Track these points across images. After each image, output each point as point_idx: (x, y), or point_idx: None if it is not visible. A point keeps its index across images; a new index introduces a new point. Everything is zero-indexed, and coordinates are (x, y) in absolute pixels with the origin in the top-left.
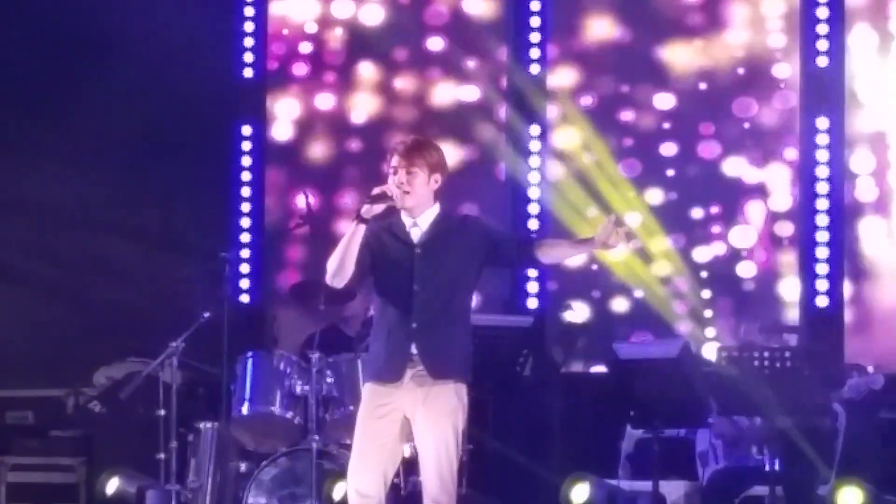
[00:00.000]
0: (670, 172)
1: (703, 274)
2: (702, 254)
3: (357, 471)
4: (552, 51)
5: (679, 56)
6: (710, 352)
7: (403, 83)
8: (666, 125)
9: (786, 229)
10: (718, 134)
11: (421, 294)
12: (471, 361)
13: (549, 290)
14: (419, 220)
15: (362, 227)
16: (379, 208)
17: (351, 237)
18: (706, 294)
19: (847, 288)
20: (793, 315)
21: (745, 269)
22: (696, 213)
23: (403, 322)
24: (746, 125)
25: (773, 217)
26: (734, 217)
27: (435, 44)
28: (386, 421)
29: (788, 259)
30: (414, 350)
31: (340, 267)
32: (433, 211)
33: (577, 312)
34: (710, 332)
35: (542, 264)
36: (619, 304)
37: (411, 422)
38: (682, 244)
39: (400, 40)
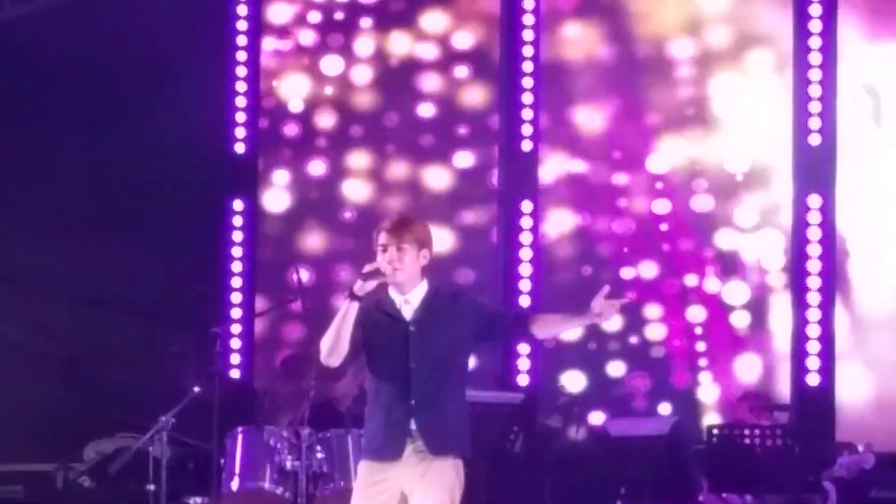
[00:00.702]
0: None
1: None
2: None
3: None
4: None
5: None
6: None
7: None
8: None
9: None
10: None
11: (418, 371)
12: (468, 436)
13: (539, 367)
14: (410, 297)
15: (356, 305)
16: (371, 285)
17: (345, 315)
18: None
19: None
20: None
21: None
22: None
23: (402, 399)
24: None
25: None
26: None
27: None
28: (384, 497)
29: None
30: (414, 426)
31: (335, 345)
32: (422, 287)
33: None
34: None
35: (537, 339)
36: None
37: (408, 497)
38: None
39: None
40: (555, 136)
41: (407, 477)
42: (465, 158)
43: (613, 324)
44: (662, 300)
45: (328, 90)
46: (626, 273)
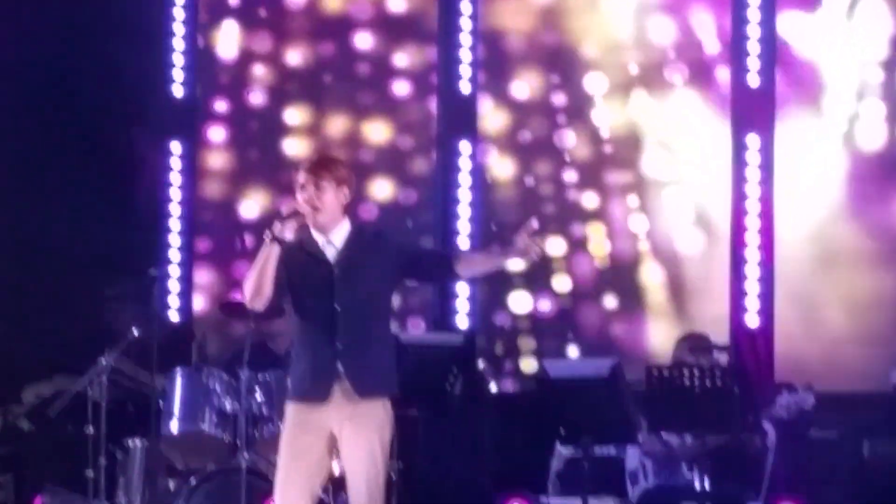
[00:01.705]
0: None
1: None
2: None
3: (284, 490)
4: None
5: None
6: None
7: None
8: None
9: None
10: None
11: (343, 313)
12: (395, 375)
13: (478, 307)
14: (332, 237)
15: (277, 248)
16: (292, 226)
17: (266, 258)
18: None
19: None
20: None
21: None
22: None
23: (328, 342)
24: None
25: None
26: None
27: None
28: (312, 437)
29: None
30: (341, 369)
31: (258, 288)
32: (345, 227)
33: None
34: None
35: (462, 278)
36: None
37: (338, 438)
38: None
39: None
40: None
41: (335, 418)
42: (405, 113)
43: None
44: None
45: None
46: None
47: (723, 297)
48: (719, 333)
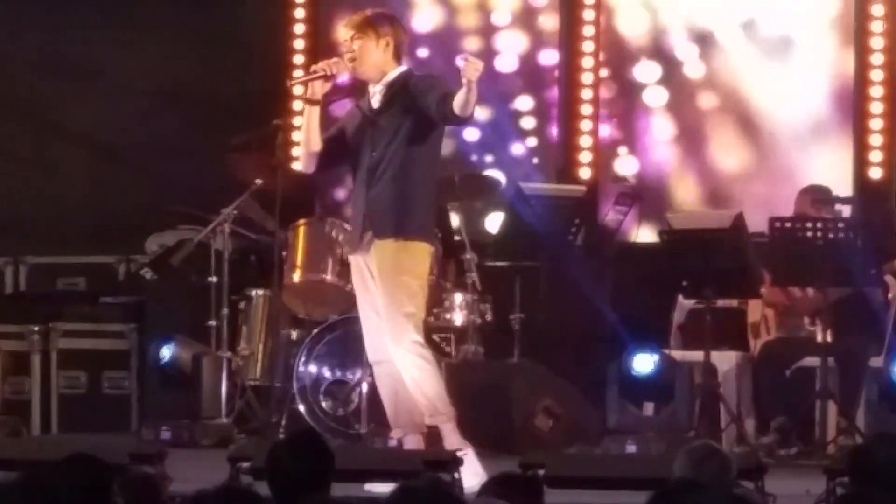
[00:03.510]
0: None
1: None
2: None
3: (366, 342)
4: None
5: None
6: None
7: None
8: None
9: None
10: None
11: (377, 161)
12: (424, 221)
13: (601, 160)
14: (380, 86)
15: (314, 109)
16: (321, 86)
17: (306, 121)
18: None
19: None
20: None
21: None
22: None
23: (362, 188)
24: None
25: None
26: None
27: None
28: (368, 284)
29: None
30: (366, 213)
31: (304, 152)
32: (393, 73)
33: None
34: None
35: (461, 117)
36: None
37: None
38: None
39: None
40: None
41: (370, 261)
42: None
43: None
44: None
45: None
46: None
47: None
48: None
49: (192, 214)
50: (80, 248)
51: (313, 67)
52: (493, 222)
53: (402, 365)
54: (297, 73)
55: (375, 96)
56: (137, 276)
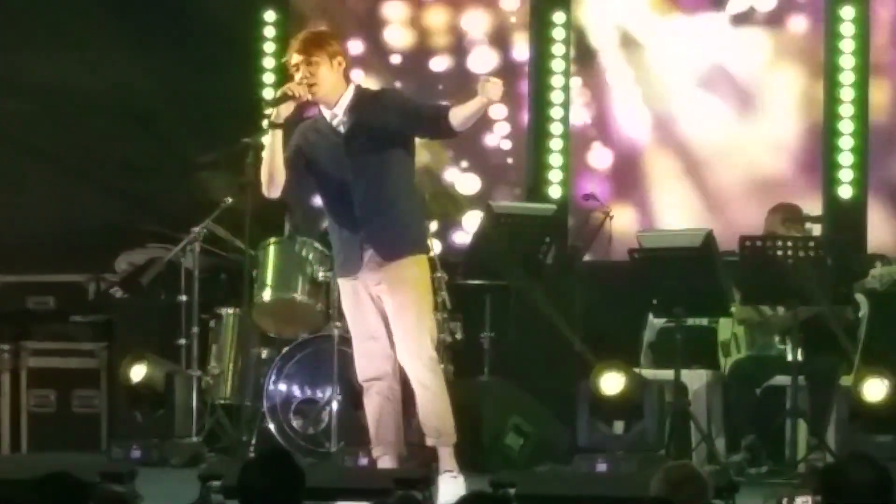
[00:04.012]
0: None
1: None
2: None
3: (358, 361)
4: None
5: None
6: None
7: None
8: None
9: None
10: None
11: (357, 181)
12: (423, 233)
13: (572, 178)
14: (337, 109)
15: (278, 133)
16: (287, 109)
17: (270, 146)
18: None
19: None
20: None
21: None
22: None
23: (348, 213)
24: None
25: None
26: None
27: None
28: (362, 304)
29: None
30: (363, 236)
31: (270, 177)
32: (348, 94)
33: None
34: None
35: (457, 131)
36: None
37: (381, 300)
38: None
39: None
40: None
41: (371, 283)
42: None
43: None
44: None
45: None
46: None
47: None
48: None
49: (162, 233)
50: (50, 266)
51: (283, 89)
52: (464, 240)
53: (418, 381)
54: (267, 95)
55: (336, 119)
56: (107, 294)
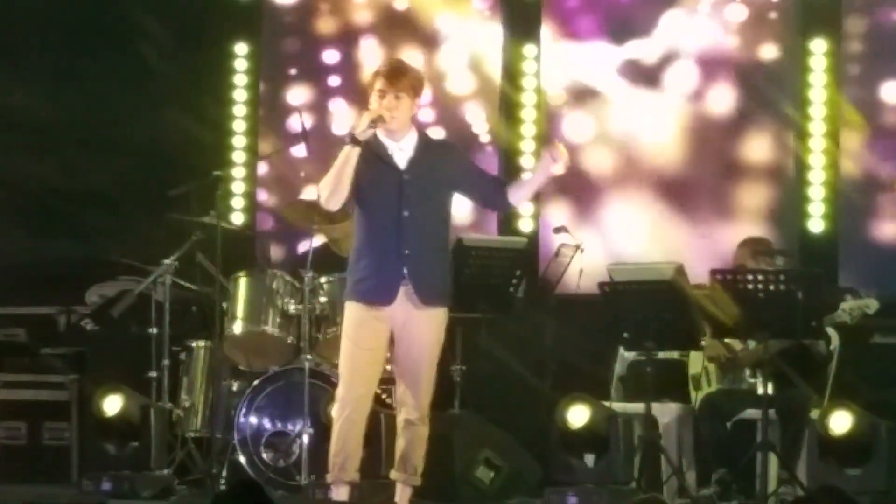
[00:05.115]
0: None
1: None
2: None
3: (350, 380)
4: None
5: None
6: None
7: None
8: None
9: None
10: None
11: (411, 219)
12: (450, 286)
13: (542, 212)
14: (402, 144)
15: (356, 150)
16: (371, 131)
17: (346, 160)
18: None
19: None
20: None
21: None
22: None
23: (395, 247)
24: None
25: None
26: None
27: None
28: (375, 333)
29: None
30: (406, 273)
31: (336, 189)
32: (413, 135)
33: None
34: None
35: (511, 206)
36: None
37: (397, 338)
38: None
39: None
40: None
41: (397, 319)
42: None
43: None
44: None
45: None
46: None
47: None
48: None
49: (133, 266)
50: (20, 298)
51: (377, 113)
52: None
53: (413, 430)
54: (238, 128)
55: (398, 153)
56: (78, 326)
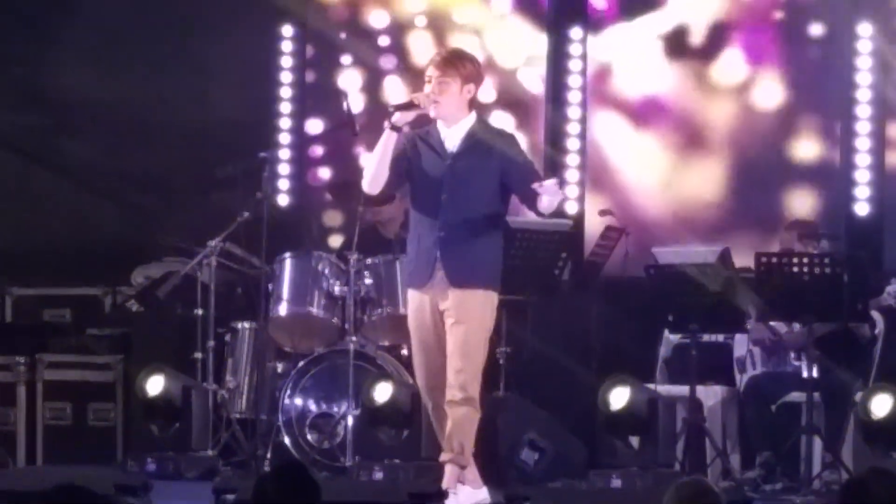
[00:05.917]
0: None
1: None
2: None
3: (418, 367)
4: None
5: None
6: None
7: None
8: None
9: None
10: None
11: (449, 202)
12: (496, 270)
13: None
14: (453, 131)
15: (395, 135)
16: (409, 116)
17: (384, 145)
18: None
19: None
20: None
21: None
22: None
23: (431, 228)
24: None
25: None
26: None
27: None
28: (428, 317)
29: None
30: (438, 255)
31: (375, 174)
32: (468, 121)
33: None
34: None
35: (542, 215)
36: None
37: (444, 320)
38: None
39: None
40: None
41: (440, 300)
42: None
43: None
44: None
45: None
46: None
47: None
48: None
49: (179, 246)
50: (67, 279)
51: (410, 97)
52: None
53: (455, 409)
54: (284, 110)
55: (449, 139)
56: (124, 307)
